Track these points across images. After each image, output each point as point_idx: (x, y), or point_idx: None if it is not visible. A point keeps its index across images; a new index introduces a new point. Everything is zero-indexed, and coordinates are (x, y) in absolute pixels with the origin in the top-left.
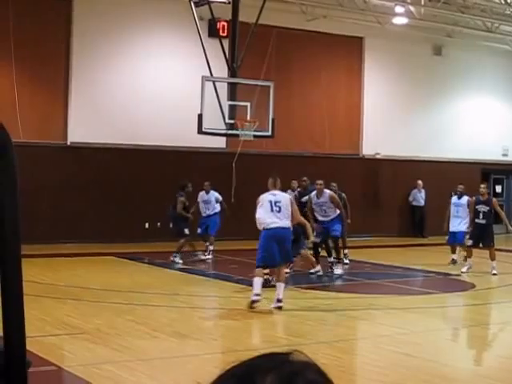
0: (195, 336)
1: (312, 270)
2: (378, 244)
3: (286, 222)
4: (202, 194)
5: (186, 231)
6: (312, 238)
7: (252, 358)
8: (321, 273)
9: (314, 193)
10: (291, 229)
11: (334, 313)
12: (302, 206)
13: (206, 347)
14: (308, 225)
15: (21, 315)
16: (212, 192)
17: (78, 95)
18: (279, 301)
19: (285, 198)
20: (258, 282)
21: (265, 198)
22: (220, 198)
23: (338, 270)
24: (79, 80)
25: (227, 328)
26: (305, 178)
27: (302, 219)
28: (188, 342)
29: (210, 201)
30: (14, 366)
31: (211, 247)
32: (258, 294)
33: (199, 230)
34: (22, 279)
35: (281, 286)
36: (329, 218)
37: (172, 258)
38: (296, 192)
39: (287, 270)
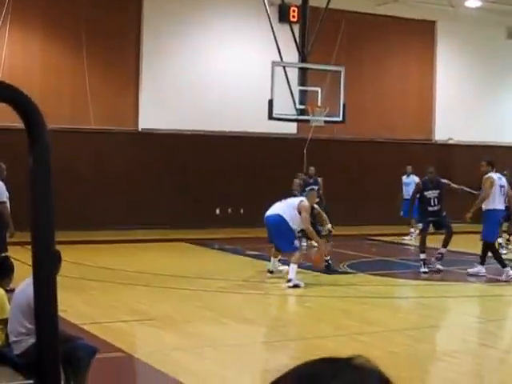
0: (264, 323)
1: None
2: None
3: (278, 212)
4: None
5: None
6: (328, 226)
7: (312, 361)
8: (331, 262)
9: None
10: (284, 218)
11: (406, 300)
12: (426, 200)
13: (275, 334)
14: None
15: (52, 307)
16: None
17: (149, 82)
18: (288, 281)
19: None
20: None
21: None
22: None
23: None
24: (149, 67)
25: (296, 315)
26: (431, 170)
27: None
28: (257, 329)
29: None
30: (46, 361)
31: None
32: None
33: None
34: (53, 272)
35: (290, 267)
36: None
37: None
38: (420, 182)
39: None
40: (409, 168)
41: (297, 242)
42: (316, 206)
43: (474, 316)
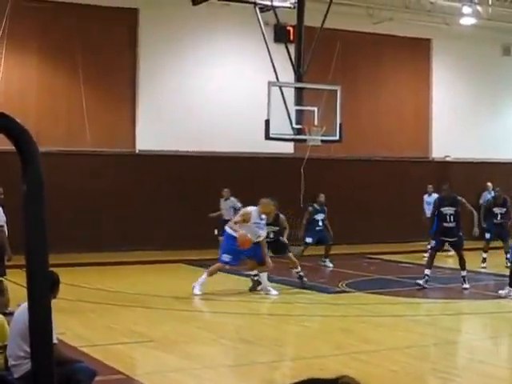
0: (262, 343)
1: (295, 270)
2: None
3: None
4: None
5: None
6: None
7: (299, 382)
8: (302, 273)
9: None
10: (227, 232)
11: (406, 318)
12: (442, 216)
13: (273, 354)
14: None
15: (47, 328)
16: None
17: (145, 103)
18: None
19: None
20: None
21: None
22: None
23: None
24: (146, 88)
25: (295, 334)
26: (445, 187)
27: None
28: (255, 349)
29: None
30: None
31: None
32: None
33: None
34: (48, 295)
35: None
36: None
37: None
38: (437, 198)
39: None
40: (430, 187)
41: (225, 258)
42: (282, 215)
43: (473, 333)
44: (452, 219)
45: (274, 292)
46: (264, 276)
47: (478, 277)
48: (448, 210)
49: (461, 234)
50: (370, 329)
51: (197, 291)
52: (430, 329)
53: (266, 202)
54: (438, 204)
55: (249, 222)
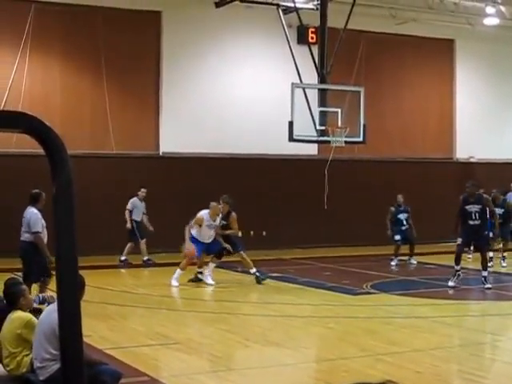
0: (288, 345)
1: (251, 271)
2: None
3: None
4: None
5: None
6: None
7: None
8: (258, 273)
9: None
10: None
11: (431, 319)
12: (466, 214)
13: (300, 356)
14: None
15: (77, 331)
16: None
17: (169, 105)
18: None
19: None
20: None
21: None
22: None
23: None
24: (169, 90)
25: (320, 336)
26: (468, 184)
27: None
28: (281, 351)
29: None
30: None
31: None
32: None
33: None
34: (77, 297)
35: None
36: None
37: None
38: (461, 197)
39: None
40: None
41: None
42: (234, 214)
43: (497, 334)
44: (477, 217)
45: (210, 281)
46: (212, 266)
47: (502, 278)
48: (473, 208)
49: (486, 233)
50: (395, 330)
51: (175, 283)
52: (454, 330)
53: (214, 206)
54: (463, 202)
55: (202, 224)
